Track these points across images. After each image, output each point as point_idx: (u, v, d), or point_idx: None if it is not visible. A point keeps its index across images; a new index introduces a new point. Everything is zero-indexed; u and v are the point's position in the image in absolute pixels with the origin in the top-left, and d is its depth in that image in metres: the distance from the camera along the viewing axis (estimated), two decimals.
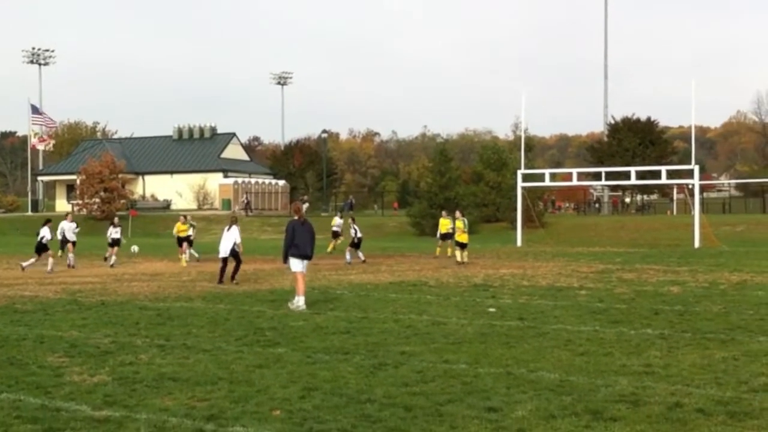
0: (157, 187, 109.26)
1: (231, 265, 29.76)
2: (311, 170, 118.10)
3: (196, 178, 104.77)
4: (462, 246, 39.08)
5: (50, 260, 35.81)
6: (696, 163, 56.63)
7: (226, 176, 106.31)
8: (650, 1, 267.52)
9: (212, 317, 20.27)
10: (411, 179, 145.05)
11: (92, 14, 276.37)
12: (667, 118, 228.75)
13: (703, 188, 76.89)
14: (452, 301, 23.26)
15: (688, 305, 21.81)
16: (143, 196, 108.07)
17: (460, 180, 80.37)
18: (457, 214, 41.44)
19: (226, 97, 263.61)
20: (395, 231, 76.17)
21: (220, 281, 29.19)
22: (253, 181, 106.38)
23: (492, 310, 21.24)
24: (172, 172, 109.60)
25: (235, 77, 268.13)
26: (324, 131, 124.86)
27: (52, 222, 38.13)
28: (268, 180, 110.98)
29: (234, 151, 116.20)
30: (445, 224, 43.95)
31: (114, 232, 39.93)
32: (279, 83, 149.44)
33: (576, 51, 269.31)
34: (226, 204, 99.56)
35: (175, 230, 41.69)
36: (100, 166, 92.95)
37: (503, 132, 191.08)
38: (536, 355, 14.77)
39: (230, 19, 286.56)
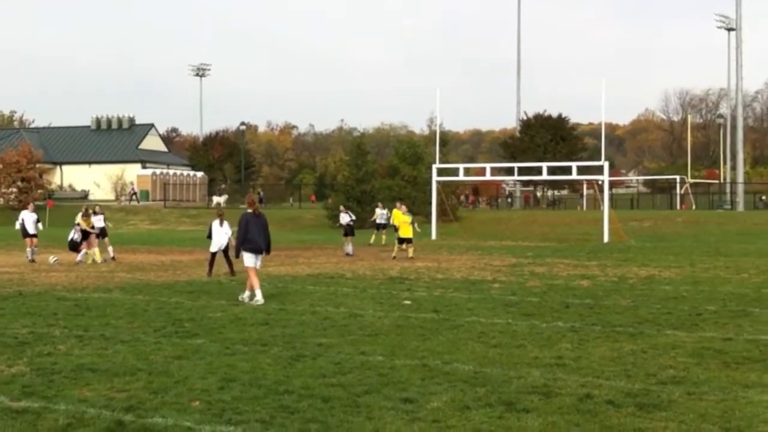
0: (74, 177, 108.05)
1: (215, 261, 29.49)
2: (229, 162, 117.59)
3: (114, 169, 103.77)
4: (409, 241, 38.03)
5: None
6: (605, 160, 57.21)
7: (144, 167, 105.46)
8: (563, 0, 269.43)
9: (131, 308, 20.09)
10: (328, 172, 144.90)
11: (8, 1, 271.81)
12: (577, 115, 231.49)
13: (612, 184, 77.81)
14: (369, 294, 23.31)
15: (597, 299, 22.07)
16: (61, 187, 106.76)
17: (376, 173, 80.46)
18: (403, 208, 40.38)
19: (144, 88, 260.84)
20: (312, 223, 75.98)
21: (210, 274, 28.71)
22: (171, 172, 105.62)
23: (407, 302, 21.32)
24: (90, 163, 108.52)
25: (154, 68, 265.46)
26: (242, 123, 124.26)
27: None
28: (186, 171, 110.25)
29: (152, 142, 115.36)
30: (399, 216, 40.18)
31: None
32: (197, 75, 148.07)
33: (490, 47, 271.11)
34: (144, 195, 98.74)
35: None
36: (17, 156, 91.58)
37: (419, 127, 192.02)
38: (451, 347, 14.86)
39: (150, 9, 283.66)
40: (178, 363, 13.34)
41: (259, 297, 21.29)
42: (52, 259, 34.04)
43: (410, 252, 37.55)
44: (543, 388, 11.64)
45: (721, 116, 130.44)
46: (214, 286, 25.33)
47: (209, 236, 29.95)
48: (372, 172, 78.48)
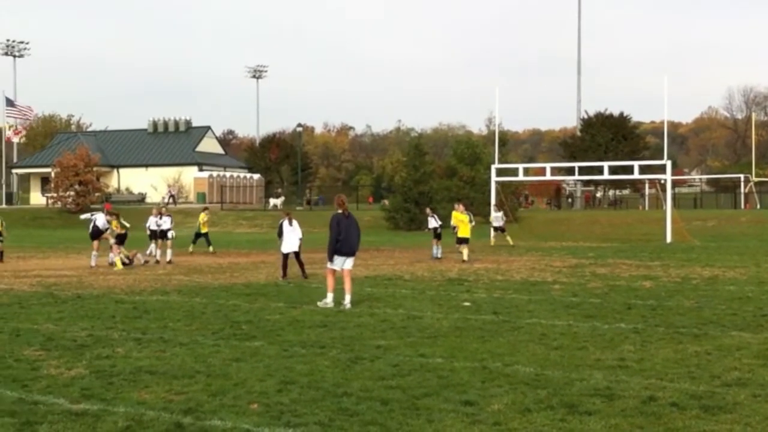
0: (131, 180, 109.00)
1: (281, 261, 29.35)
2: (286, 164, 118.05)
3: (170, 172, 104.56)
4: (465, 241, 37.52)
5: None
6: (668, 159, 56.79)
7: (201, 170, 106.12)
8: None
9: (188, 311, 20.24)
10: (385, 173, 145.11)
11: (67, 6, 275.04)
12: (639, 114, 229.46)
13: (674, 183, 77.27)
14: (427, 295, 23.29)
15: (660, 300, 21.91)
16: (118, 189, 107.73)
17: (434, 174, 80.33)
18: (461, 207, 39.69)
19: (201, 90, 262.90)
20: (369, 225, 76.02)
21: (284, 276, 28.51)
22: (227, 174, 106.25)
23: (467, 304, 21.29)
24: (146, 165, 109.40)
25: (211, 71, 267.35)
26: (299, 125, 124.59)
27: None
28: (242, 174, 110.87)
29: (209, 145, 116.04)
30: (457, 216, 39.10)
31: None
32: (254, 77, 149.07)
33: (549, 46, 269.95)
34: (201, 197, 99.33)
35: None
36: (74, 159, 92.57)
37: (477, 127, 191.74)
38: (511, 349, 14.82)
39: (205, 12, 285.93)
40: (236, 365, 13.41)
41: (329, 300, 21.03)
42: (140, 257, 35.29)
43: (465, 254, 37.00)
44: (605, 391, 11.57)
45: None
46: (271, 289, 25.41)
47: (279, 235, 29.40)
48: (430, 172, 78.32)
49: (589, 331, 16.90)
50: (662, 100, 58.89)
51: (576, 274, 29.55)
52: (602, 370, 13.00)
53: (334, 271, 21.32)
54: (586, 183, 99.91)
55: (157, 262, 36.41)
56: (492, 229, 51.32)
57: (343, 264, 21.27)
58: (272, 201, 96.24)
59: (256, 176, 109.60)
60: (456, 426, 9.90)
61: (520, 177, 65.62)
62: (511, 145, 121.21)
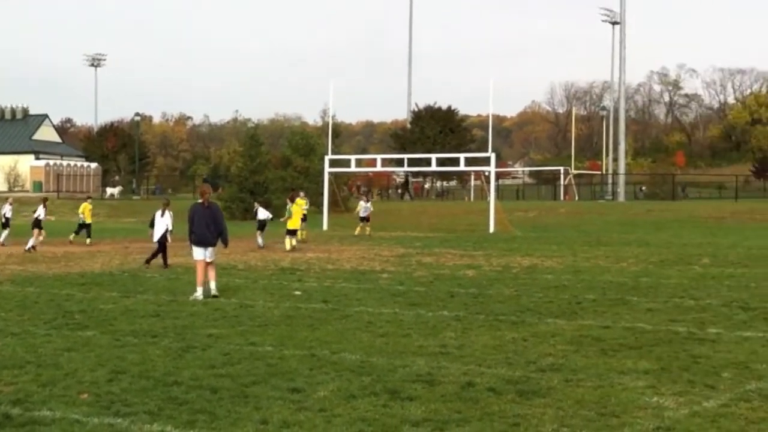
0: None
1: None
2: (124, 153, 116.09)
3: (6, 160, 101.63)
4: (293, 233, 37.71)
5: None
6: (492, 151, 57.63)
7: (37, 158, 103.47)
8: None
9: (21, 300, 19.77)
10: (222, 163, 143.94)
11: None
12: (466, 107, 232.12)
13: (498, 175, 78.65)
14: (260, 285, 23.25)
15: (482, 288, 22.30)
16: None
17: (269, 164, 79.98)
18: (302, 194, 40.25)
19: (38, 78, 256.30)
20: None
21: (166, 266, 28.23)
22: (64, 163, 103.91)
23: (298, 293, 21.32)
24: None
25: (48, 58, 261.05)
26: (137, 114, 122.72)
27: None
28: (80, 162, 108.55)
29: (46, 133, 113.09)
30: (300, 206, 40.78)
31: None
32: (92, 65, 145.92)
33: (382, 39, 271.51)
34: (38, 186, 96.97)
35: None
36: None
37: (312, 118, 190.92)
38: (339, 337, 14.91)
39: None
40: (68, 355, 13.17)
41: (198, 294, 20.35)
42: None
43: (287, 244, 36.90)
44: (427, 377, 11.74)
45: (604, 108, 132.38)
46: (106, 278, 25.02)
47: (151, 225, 29.62)
48: (265, 163, 77.93)
49: (413, 318, 17.10)
50: (488, 94, 59.72)
51: (403, 264, 29.85)
52: (425, 356, 13.18)
53: (201, 263, 20.65)
54: (416, 174, 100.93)
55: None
56: (359, 219, 50.95)
57: (204, 255, 20.63)
58: (109, 190, 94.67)
59: (94, 165, 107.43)
60: (283, 413, 9.92)
61: (353, 168, 65.93)
62: (344, 136, 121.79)
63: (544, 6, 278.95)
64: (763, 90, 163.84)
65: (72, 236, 40.86)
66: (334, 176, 62.85)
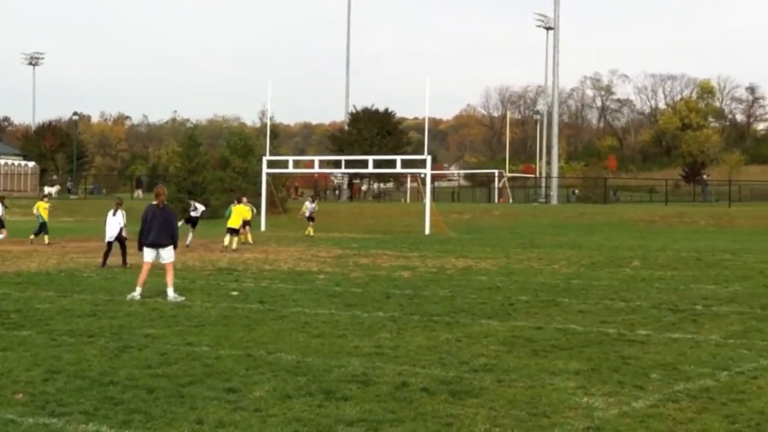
0: None
1: (117, 250, 28.69)
2: (62, 152, 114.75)
3: None
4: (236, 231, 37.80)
5: None
6: (428, 154, 57.80)
7: None
8: None
9: None
10: (160, 163, 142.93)
11: None
12: (403, 110, 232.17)
13: (434, 178, 78.80)
14: (197, 285, 23.14)
15: (417, 289, 22.36)
16: None
17: (208, 165, 79.50)
18: (245, 200, 40.44)
19: None
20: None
21: (104, 265, 27.99)
22: (2, 162, 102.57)
23: (235, 293, 21.25)
24: None
25: None
26: (75, 113, 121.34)
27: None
28: (17, 161, 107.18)
29: None
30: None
31: None
32: (30, 63, 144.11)
33: (321, 41, 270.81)
34: None
35: None
36: None
37: (250, 119, 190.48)
38: (275, 338, 14.88)
39: None
40: (3, 355, 13.01)
41: (135, 293, 20.16)
42: None
43: (226, 241, 37.14)
44: (362, 377, 11.75)
45: (538, 112, 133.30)
46: (42, 277, 24.74)
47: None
48: (204, 163, 77.42)
49: (349, 319, 17.11)
50: (424, 97, 59.90)
51: (340, 264, 29.86)
52: (360, 357, 13.20)
53: (148, 265, 20.54)
54: (353, 176, 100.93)
55: None
56: (307, 219, 50.92)
57: (157, 257, 20.50)
58: (47, 189, 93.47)
59: (31, 164, 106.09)
60: (218, 413, 9.88)
61: (290, 169, 65.83)
62: (282, 137, 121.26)
63: (481, 11, 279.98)
64: (694, 96, 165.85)
65: (46, 238, 40.25)
66: (272, 177, 62.61)
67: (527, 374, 12.05)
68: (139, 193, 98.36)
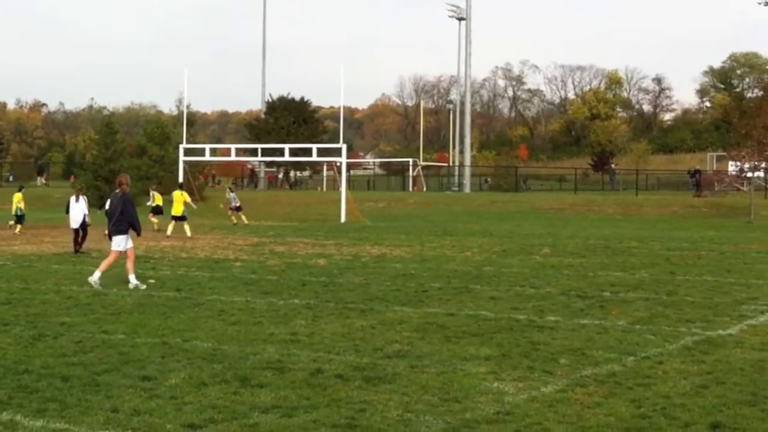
0: None
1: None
2: None
3: None
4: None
5: None
6: (344, 142, 57.69)
7: None
8: None
9: None
10: (77, 151, 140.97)
11: None
12: (319, 99, 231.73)
13: (350, 166, 78.81)
14: (114, 272, 22.78)
15: (332, 277, 22.36)
16: None
17: (125, 153, 78.59)
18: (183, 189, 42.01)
19: None
20: (60, 202, 73.75)
21: (76, 251, 28.12)
22: None
23: (151, 281, 21.04)
24: None
25: None
26: None
27: None
28: None
29: None
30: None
31: None
32: None
33: (237, 30, 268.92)
34: None
35: None
36: None
37: (167, 107, 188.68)
38: (191, 325, 14.79)
39: None
40: None
41: (94, 277, 19.97)
42: None
43: (170, 229, 38.79)
44: (277, 364, 11.73)
45: (451, 102, 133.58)
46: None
47: (67, 212, 29.75)
48: (120, 151, 76.49)
49: (265, 306, 17.06)
50: (339, 86, 59.66)
51: (256, 252, 29.73)
52: (275, 344, 13.17)
53: (116, 254, 20.48)
54: (269, 164, 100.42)
55: None
56: (235, 210, 50.63)
57: (118, 245, 20.43)
58: None
59: None
60: (134, 401, 9.80)
61: (207, 157, 65.34)
62: (199, 125, 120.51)
63: (395, 1, 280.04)
64: (602, 86, 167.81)
65: (18, 228, 40.02)
66: (189, 165, 62.10)
67: (439, 360, 12.12)
68: (41, 179, 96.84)
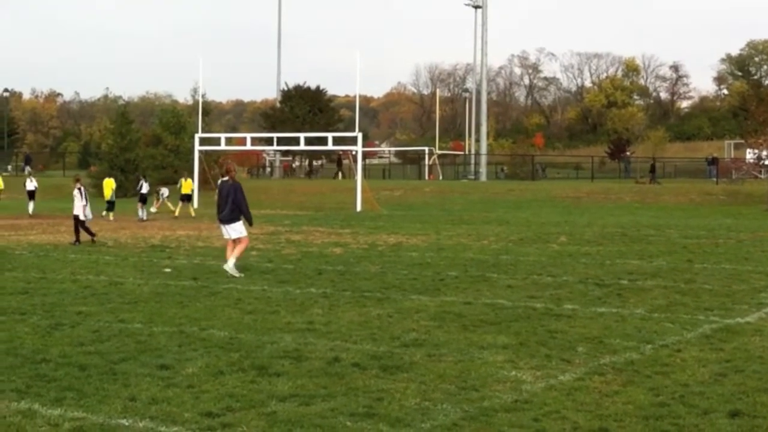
0: None
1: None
2: None
3: None
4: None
5: None
6: (359, 131, 57.67)
7: None
8: None
9: None
10: (93, 140, 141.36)
11: None
12: (335, 87, 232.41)
13: (365, 155, 78.67)
14: (130, 262, 22.94)
15: (349, 265, 22.37)
16: None
17: (140, 142, 78.79)
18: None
19: None
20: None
21: (93, 241, 28.31)
22: None
23: (168, 270, 21.10)
24: None
25: None
26: (5, 90, 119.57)
27: None
28: None
29: None
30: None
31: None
32: None
33: (252, 18, 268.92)
34: None
35: None
36: None
37: (183, 96, 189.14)
38: (208, 314, 14.82)
39: None
40: None
41: (228, 266, 20.03)
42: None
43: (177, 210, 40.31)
44: (294, 353, 11.75)
45: (467, 90, 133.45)
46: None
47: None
48: (136, 140, 76.74)
49: (281, 295, 17.07)
50: (355, 74, 59.67)
51: (272, 241, 29.75)
52: (292, 332, 13.18)
53: (229, 241, 20.57)
54: (285, 153, 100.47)
55: None
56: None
57: (226, 233, 20.58)
58: None
59: None
60: (151, 390, 9.83)
61: (223, 146, 65.43)
62: (214, 115, 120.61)
63: None
64: (619, 74, 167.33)
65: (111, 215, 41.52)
66: (204, 154, 62.19)
67: (457, 349, 12.11)
68: (27, 169, 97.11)
